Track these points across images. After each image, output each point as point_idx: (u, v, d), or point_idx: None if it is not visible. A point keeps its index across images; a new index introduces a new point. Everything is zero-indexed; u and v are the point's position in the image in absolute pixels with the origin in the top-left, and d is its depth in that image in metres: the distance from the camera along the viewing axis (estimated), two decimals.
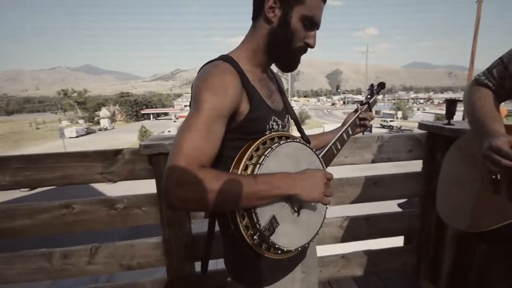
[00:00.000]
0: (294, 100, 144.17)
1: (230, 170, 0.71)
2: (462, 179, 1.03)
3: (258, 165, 0.68)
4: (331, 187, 0.78)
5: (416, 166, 1.78)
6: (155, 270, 1.59)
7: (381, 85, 1.19)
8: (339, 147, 0.98)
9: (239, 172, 0.69)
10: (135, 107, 75.11)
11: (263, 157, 0.69)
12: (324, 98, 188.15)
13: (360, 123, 1.09)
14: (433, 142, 1.65)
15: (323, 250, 1.72)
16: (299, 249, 0.77)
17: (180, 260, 1.46)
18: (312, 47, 0.79)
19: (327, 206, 0.85)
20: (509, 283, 0.91)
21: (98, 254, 1.43)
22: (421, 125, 1.71)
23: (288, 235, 0.73)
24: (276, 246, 0.70)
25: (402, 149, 1.66)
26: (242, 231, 0.68)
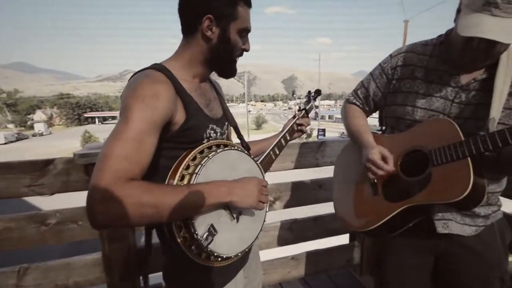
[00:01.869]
0: (252, 105, 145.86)
1: (167, 181, 0.70)
2: (348, 181, 1.17)
3: (194, 175, 0.68)
4: (268, 193, 0.81)
5: None
6: None
7: (318, 92, 1.25)
8: (278, 152, 1.03)
9: (175, 182, 0.68)
10: (77, 110, 68.66)
11: (199, 166, 0.69)
12: (280, 102, 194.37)
13: (297, 129, 1.13)
14: None
15: (273, 253, 1.76)
16: (239, 254, 0.79)
17: (123, 276, 1.37)
18: (248, 51, 0.85)
19: (267, 210, 0.88)
20: (397, 269, 1.07)
21: (28, 276, 1.28)
22: None
23: (227, 242, 0.74)
24: (215, 254, 0.71)
25: None
26: (180, 243, 0.67)
